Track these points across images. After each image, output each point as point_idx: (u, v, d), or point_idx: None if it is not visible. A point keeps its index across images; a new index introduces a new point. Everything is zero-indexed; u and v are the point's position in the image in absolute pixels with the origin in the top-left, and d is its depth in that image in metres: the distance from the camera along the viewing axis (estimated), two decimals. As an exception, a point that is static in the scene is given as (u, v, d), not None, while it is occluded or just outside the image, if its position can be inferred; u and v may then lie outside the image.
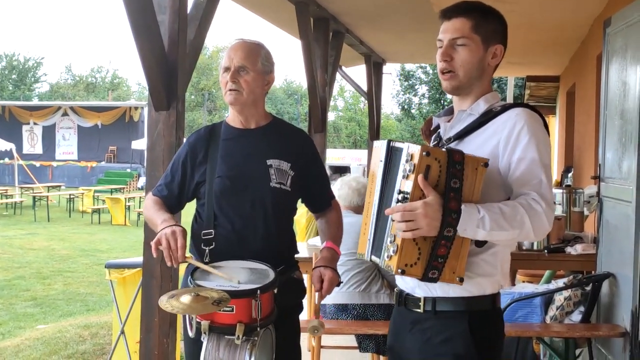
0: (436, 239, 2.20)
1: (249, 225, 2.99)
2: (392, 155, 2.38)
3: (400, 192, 2.24)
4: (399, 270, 2.22)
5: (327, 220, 3.25)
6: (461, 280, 2.28)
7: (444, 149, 2.23)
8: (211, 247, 2.97)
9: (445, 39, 2.48)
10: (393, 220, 2.23)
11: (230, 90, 3.00)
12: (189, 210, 3.21)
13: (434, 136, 2.73)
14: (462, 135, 2.50)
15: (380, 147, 2.45)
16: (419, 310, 2.47)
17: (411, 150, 2.23)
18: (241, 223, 2.99)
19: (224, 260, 2.92)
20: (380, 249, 2.35)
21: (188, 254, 2.83)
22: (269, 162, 3.02)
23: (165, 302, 2.54)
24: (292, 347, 3.09)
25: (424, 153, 2.18)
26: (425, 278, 2.25)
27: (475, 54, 2.45)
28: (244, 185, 3.00)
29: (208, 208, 3.03)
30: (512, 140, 2.35)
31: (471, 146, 2.44)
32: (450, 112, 2.66)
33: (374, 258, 2.41)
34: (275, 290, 2.74)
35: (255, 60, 3.02)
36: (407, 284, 2.52)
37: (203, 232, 3.00)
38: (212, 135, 3.13)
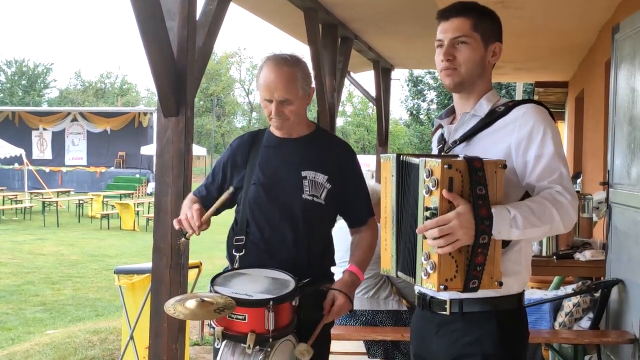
0: (472, 248, 2.17)
1: (277, 234, 2.99)
2: (405, 170, 2.34)
3: (427, 209, 2.20)
4: (441, 287, 2.17)
5: (359, 241, 3.17)
6: (500, 284, 2.25)
7: (462, 158, 2.21)
8: (241, 253, 2.99)
9: (445, 38, 2.47)
10: (425, 238, 2.19)
11: (276, 119, 2.99)
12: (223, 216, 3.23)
13: (436, 138, 2.71)
14: (468, 136, 2.48)
15: (388, 160, 2.42)
16: (444, 312, 2.45)
17: (430, 165, 2.19)
18: (270, 232, 2.99)
19: (251, 268, 2.93)
20: (411, 267, 2.30)
21: (205, 216, 2.89)
22: (303, 173, 3.00)
23: (170, 306, 2.56)
24: (321, 356, 3.03)
25: (445, 166, 2.14)
26: (466, 289, 2.21)
27: (477, 52, 2.46)
28: (276, 194, 3.00)
29: (242, 215, 3.05)
30: (525, 139, 2.35)
31: (480, 148, 2.43)
32: (451, 112, 2.64)
33: (401, 274, 2.37)
34: (295, 302, 2.72)
35: (295, 89, 2.96)
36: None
37: (235, 238, 3.03)
38: (254, 141, 3.14)
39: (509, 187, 2.32)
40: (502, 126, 2.41)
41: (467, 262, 2.19)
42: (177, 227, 2.91)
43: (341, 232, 3.45)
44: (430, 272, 2.19)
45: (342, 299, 2.94)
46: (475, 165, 2.18)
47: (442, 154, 2.54)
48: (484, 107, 2.49)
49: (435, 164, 2.17)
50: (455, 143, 2.51)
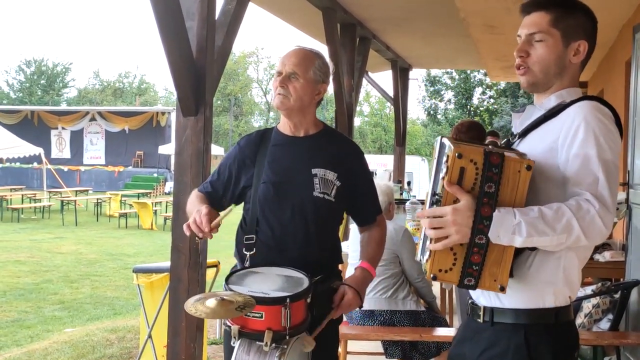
0: (468, 246, 2.08)
1: (288, 232, 2.99)
2: (440, 150, 2.27)
3: (434, 194, 2.15)
4: (432, 276, 2.14)
5: (369, 238, 3.19)
6: (502, 289, 2.13)
7: (482, 149, 2.07)
8: (252, 252, 3.00)
9: (523, 34, 2.35)
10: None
11: (278, 94, 3.01)
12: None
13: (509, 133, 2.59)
14: (527, 131, 2.37)
15: (436, 143, 2.35)
16: (479, 320, 2.36)
17: (448, 150, 2.12)
18: (281, 230, 3.00)
19: (262, 266, 2.93)
20: (423, 247, 2.28)
21: (215, 221, 2.86)
22: (314, 171, 3.01)
23: (191, 305, 2.56)
24: (329, 357, 3.06)
25: (456, 155, 2.06)
26: (461, 285, 2.14)
27: (553, 50, 2.30)
28: (287, 192, 3.00)
29: (252, 213, 3.05)
30: (571, 134, 2.17)
31: (530, 142, 2.33)
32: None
33: (422, 260, 2.31)
34: (309, 299, 2.73)
35: (307, 68, 3.02)
36: (475, 292, 2.40)
37: (245, 236, 3.03)
38: (262, 140, 3.15)
39: (551, 185, 2.19)
40: (555, 121, 2.27)
41: (465, 258, 2.11)
42: (187, 232, 2.91)
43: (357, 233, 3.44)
44: (428, 258, 2.16)
45: (351, 294, 2.94)
46: (492, 161, 2.06)
47: (501, 145, 2.46)
48: (552, 101, 2.34)
49: (450, 151, 2.09)
50: (515, 137, 2.42)
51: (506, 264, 2.12)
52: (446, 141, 2.21)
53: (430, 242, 2.15)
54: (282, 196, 3.01)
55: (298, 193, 3.00)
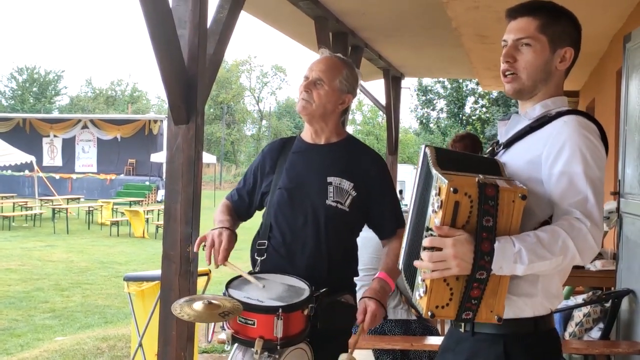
0: (468, 281, 2.01)
1: (298, 240, 2.97)
2: (426, 170, 2.19)
3: (427, 229, 2.07)
4: (429, 313, 2.05)
5: (388, 250, 3.10)
6: (499, 320, 2.08)
7: (476, 181, 1.99)
8: (263, 257, 3.00)
9: (509, 39, 2.32)
10: (421, 259, 2.05)
11: (301, 99, 3.02)
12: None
13: (493, 142, 2.56)
14: (512, 141, 2.35)
15: (420, 151, 2.30)
16: (461, 329, 2.33)
17: (439, 182, 2.01)
18: (292, 237, 2.99)
19: (270, 273, 2.93)
20: (411, 280, 2.20)
21: (229, 261, 2.86)
22: (329, 179, 2.98)
23: (177, 306, 2.57)
24: None
25: (451, 189, 1.96)
26: (459, 319, 2.09)
27: (541, 56, 2.29)
28: (300, 199, 2.99)
29: (267, 219, 3.06)
30: (555, 150, 2.15)
31: (513, 153, 2.31)
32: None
33: (405, 279, 2.29)
34: (307, 311, 2.70)
35: (333, 76, 3.01)
36: None
37: (258, 241, 3.05)
38: (284, 147, 3.16)
39: (534, 202, 2.16)
40: (540, 134, 2.25)
41: (462, 293, 2.04)
42: (196, 248, 2.94)
43: (368, 243, 3.39)
44: (422, 295, 2.08)
45: (373, 305, 2.86)
46: (487, 193, 1.98)
47: (486, 156, 2.42)
48: (536, 110, 2.32)
49: (443, 184, 1.99)
50: (500, 147, 2.40)
51: (502, 294, 2.08)
52: (432, 168, 2.11)
53: (424, 275, 2.07)
54: (296, 203, 3.00)
55: (311, 200, 2.99)
